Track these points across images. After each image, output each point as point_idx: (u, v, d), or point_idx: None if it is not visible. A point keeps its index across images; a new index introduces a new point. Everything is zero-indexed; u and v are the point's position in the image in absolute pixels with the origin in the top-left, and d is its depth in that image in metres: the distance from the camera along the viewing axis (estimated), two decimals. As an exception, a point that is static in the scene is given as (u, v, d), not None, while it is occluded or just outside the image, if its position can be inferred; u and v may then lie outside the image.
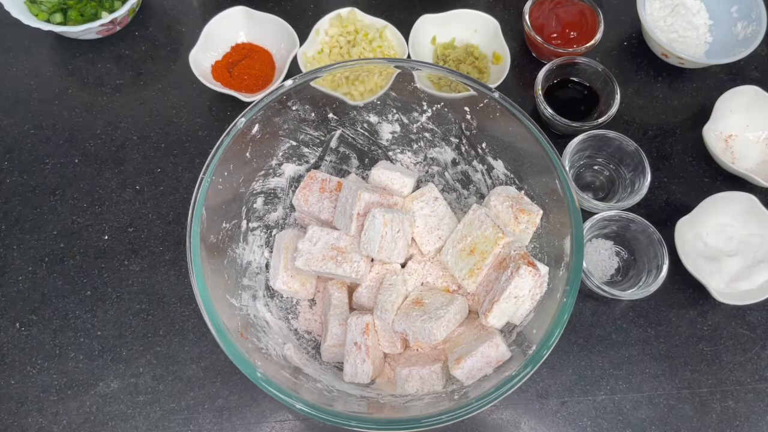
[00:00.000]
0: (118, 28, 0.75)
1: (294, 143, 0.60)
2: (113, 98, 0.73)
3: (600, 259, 0.65)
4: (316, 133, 0.61)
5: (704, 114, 0.69)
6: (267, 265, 0.59)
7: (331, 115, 0.60)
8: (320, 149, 0.62)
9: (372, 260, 0.55)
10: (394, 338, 0.54)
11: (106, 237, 0.66)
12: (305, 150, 0.61)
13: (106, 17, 0.71)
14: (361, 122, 0.62)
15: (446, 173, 0.64)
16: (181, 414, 0.59)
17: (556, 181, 0.52)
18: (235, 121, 0.52)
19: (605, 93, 0.68)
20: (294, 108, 0.56)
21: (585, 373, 0.61)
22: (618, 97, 0.66)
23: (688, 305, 0.65)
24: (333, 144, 0.62)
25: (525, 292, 0.50)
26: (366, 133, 0.63)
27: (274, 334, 0.54)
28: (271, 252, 0.59)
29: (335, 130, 0.61)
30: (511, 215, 0.54)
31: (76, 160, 0.69)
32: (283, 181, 0.61)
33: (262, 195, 0.59)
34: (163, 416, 0.59)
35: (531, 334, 0.50)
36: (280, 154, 0.59)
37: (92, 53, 0.75)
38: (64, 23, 0.72)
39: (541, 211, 0.54)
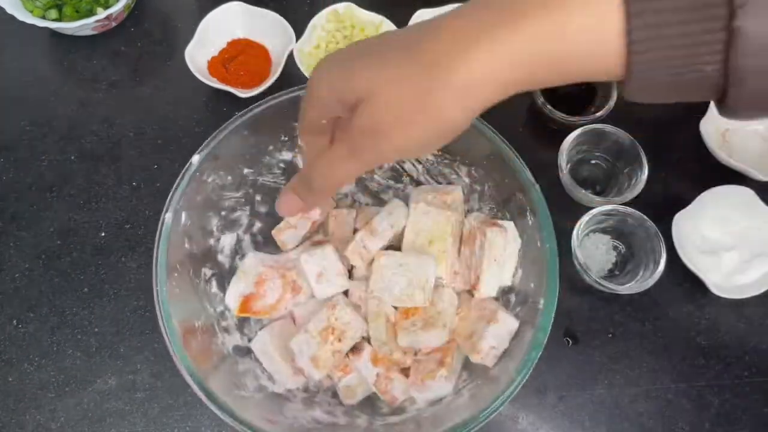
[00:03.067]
0: (114, 24, 0.75)
1: (223, 213, 0.57)
2: (109, 95, 0.73)
3: (597, 254, 0.65)
4: (239, 194, 0.58)
5: (701, 108, 0.69)
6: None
7: (246, 171, 0.57)
8: (248, 207, 0.60)
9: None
10: (402, 356, 0.53)
11: (103, 234, 0.66)
12: (234, 215, 0.59)
13: (102, 13, 0.70)
14: (276, 164, 0.60)
15: (375, 176, 0.63)
16: (179, 410, 0.59)
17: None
18: (161, 218, 0.50)
19: (602, 87, 0.68)
20: (209, 180, 0.54)
21: (583, 368, 0.62)
22: (615, 91, 0.66)
23: (685, 299, 0.65)
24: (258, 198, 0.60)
25: (500, 251, 0.51)
26: (283, 173, 0.61)
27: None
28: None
29: (255, 182, 0.59)
30: (439, 203, 0.55)
31: (72, 157, 0.69)
32: (227, 254, 0.59)
33: (215, 278, 0.56)
34: (161, 412, 0.59)
35: (529, 288, 0.51)
36: (215, 229, 0.57)
37: (88, 49, 0.75)
38: (59, 19, 0.72)
39: (459, 187, 0.56)
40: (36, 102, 0.72)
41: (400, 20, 0.72)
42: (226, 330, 0.54)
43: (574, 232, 0.61)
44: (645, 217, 0.61)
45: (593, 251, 0.65)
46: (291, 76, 0.70)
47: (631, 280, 0.62)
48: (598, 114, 0.66)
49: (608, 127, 0.65)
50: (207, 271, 0.55)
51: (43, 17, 0.71)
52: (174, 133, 0.70)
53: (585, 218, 0.61)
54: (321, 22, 0.72)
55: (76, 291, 0.63)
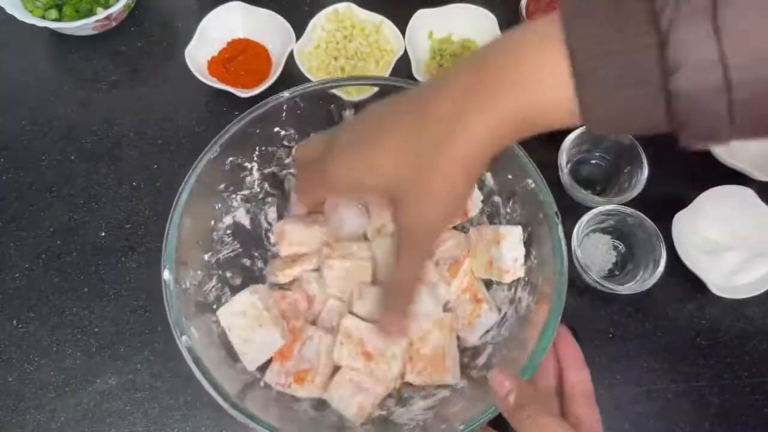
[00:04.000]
0: (114, 24, 0.75)
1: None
2: (109, 94, 0.73)
3: (597, 254, 0.65)
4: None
5: (702, 108, 0.69)
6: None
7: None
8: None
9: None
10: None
11: (103, 234, 0.66)
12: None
13: (102, 13, 0.70)
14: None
15: None
16: (179, 410, 0.59)
17: None
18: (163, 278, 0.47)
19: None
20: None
21: (583, 368, 0.61)
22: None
23: (686, 299, 0.65)
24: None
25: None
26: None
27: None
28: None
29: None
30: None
31: (73, 157, 0.69)
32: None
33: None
34: (161, 413, 0.59)
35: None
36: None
37: (88, 49, 0.75)
38: (59, 19, 0.72)
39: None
40: (36, 102, 0.72)
41: (400, 20, 0.72)
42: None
43: (574, 232, 0.61)
44: (645, 217, 0.61)
45: (593, 251, 0.65)
46: (291, 76, 0.70)
47: (631, 280, 0.62)
48: (598, 114, 0.66)
49: (608, 127, 0.65)
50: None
51: (43, 17, 0.71)
52: (174, 133, 0.70)
53: (585, 218, 0.61)
54: (321, 22, 0.72)
55: (76, 291, 0.63)
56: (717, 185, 0.65)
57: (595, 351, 0.62)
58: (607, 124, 0.29)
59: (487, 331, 0.54)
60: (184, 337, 0.44)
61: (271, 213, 0.58)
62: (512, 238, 0.52)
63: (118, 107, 0.72)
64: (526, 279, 0.52)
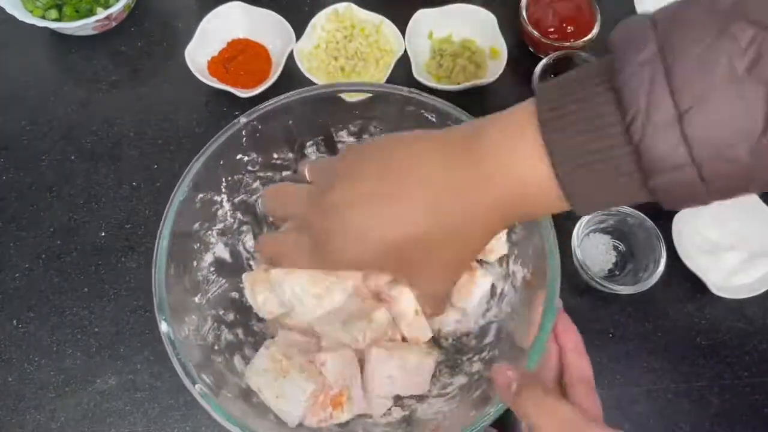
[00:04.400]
0: (114, 24, 0.75)
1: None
2: (109, 94, 0.73)
3: (597, 254, 0.65)
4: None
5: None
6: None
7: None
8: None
9: None
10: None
11: (103, 234, 0.66)
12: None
13: (102, 13, 0.70)
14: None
15: None
16: (179, 410, 0.59)
17: None
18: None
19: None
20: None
21: (583, 368, 0.61)
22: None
23: (686, 299, 0.65)
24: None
25: None
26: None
27: None
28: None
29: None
30: None
31: (73, 157, 0.69)
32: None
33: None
34: (161, 413, 0.59)
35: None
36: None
37: (88, 49, 0.75)
38: (59, 19, 0.72)
39: None
40: (36, 102, 0.72)
41: (400, 20, 0.72)
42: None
43: (574, 232, 0.61)
44: (645, 217, 0.61)
45: (593, 251, 0.65)
46: (291, 76, 0.70)
47: (631, 280, 0.62)
48: (598, 114, 0.66)
49: (608, 127, 0.65)
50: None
51: (43, 17, 0.71)
52: (174, 133, 0.70)
53: (585, 218, 0.61)
54: (321, 21, 0.72)
55: (76, 291, 0.63)
56: (717, 185, 0.65)
57: (596, 351, 0.62)
58: (594, 209, 0.32)
59: (488, 310, 0.54)
60: (197, 386, 0.43)
61: (249, 241, 0.57)
62: None
63: (118, 107, 0.72)
64: (516, 252, 0.53)
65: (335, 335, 0.51)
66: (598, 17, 0.71)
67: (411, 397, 0.52)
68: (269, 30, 0.72)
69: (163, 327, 0.44)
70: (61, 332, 0.61)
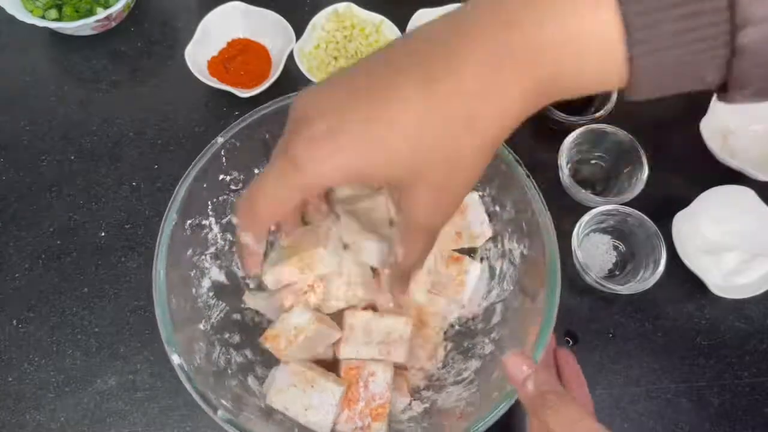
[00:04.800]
0: (114, 24, 0.75)
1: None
2: (109, 94, 0.73)
3: (597, 254, 0.65)
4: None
5: (702, 107, 0.69)
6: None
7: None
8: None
9: None
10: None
11: (103, 234, 0.65)
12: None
13: (101, 13, 0.70)
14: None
15: None
16: (179, 410, 0.59)
17: None
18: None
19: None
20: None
21: (583, 368, 0.61)
22: (615, 91, 0.66)
23: (686, 299, 0.65)
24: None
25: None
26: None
27: None
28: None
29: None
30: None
31: (72, 157, 0.69)
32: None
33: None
34: (161, 412, 0.59)
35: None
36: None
37: (88, 49, 0.75)
38: (59, 19, 0.72)
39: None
40: (36, 102, 0.72)
41: (400, 20, 0.72)
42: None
43: (574, 232, 0.61)
44: (645, 217, 0.61)
45: (593, 251, 0.65)
46: (291, 76, 0.70)
47: (631, 280, 0.62)
48: (598, 114, 0.66)
49: (608, 127, 0.65)
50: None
51: (43, 17, 0.71)
52: (174, 133, 0.70)
53: (585, 218, 0.61)
54: (321, 21, 0.72)
55: (76, 291, 0.63)
56: (717, 185, 0.65)
57: (595, 351, 0.62)
58: (654, 85, 0.27)
59: (490, 291, 0.55)
60: (219, 412, 0.43)
61: (216, 275, 0.56)
62: (473, 204, 0.53)
63: (117, 107, 0.72)
64: (509, 230, 0.53)
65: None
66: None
67: (427, 388, 0.53)
68: (269, 30, 0.72)
69: (175, 359, 0.44)
70: (61, 332, 0.61)
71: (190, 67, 0.68)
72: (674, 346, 0.63)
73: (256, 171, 0.55)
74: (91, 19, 0.70)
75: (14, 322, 0.62)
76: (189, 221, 0.50)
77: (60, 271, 0.64)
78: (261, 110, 0.51)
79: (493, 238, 0.55)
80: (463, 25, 0.29)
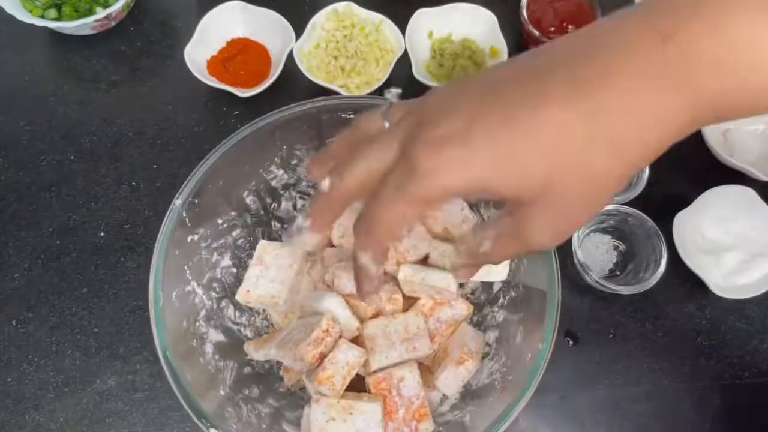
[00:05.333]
0: (113, 23, 0.75)
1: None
2: (108, 94, 0.73)
3: (598, 254, 0.65)
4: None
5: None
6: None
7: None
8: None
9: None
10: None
11: (102, 234, 0.65)
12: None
13: (101, 13, 0.70)
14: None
15: None
16: (179, 411, 0.59)
17: None
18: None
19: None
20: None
21: (583, 368, 0.61)
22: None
23: (686, 299, 0.64)
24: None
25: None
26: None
27: None
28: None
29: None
30: None
31: (72, 157, 0.69)
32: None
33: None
34: (160, 413, 0.59)
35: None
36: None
37: (87, 49, 0.75)
38: (58, 19, 0.71)
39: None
40: (36, 102, 0.72)
41: (400, 19, 0.72)
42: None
43: (575, 232, 0.60)
44: (646, 216, 0.61)
45: (594, 251, 0.65)
46: (291, 75, 0.70)
47: (631, 280, 0.62)
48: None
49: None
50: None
51: (42, 17, 0.71)
52: (174, 133, 0.70)
53: (585, 218, 0.61)
54: (321, 21, 0.72)
55: (75, 291, 0.63)
56: (718, 185, 0.64)
57: (596, 351, 0.62)
58: None
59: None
60: None
61: (231, 313, 0.56)
62: (463, 220, 0.52)
63: (117, 107, 0.72)
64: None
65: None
66: (599, 16, 0.71)
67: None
68: (269, 29, 0.72)
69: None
70: (61, 332, 0.61)
71: (190, 67, 0.68)
72: (675, 347, 0.63)
73: (220, 221, 0.55)
74: (91, 19, 0.70)
75: (13, 322, 0.62)
76: (174, 292, 0.50)
77: (59, 271, 0.64)
78: (210, 158, 0.51)
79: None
80: (613, 36, 0.26)
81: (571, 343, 0.62)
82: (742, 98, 0.25)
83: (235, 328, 0.56)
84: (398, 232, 0.31)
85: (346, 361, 0.48)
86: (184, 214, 0.50)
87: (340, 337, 0.49)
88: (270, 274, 0.52)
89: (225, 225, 0.56)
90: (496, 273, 0.50)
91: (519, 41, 0.76)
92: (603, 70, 0.26)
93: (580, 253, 0.60)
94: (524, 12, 0.72)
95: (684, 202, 0.64)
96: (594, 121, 0.26)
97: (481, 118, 0.27)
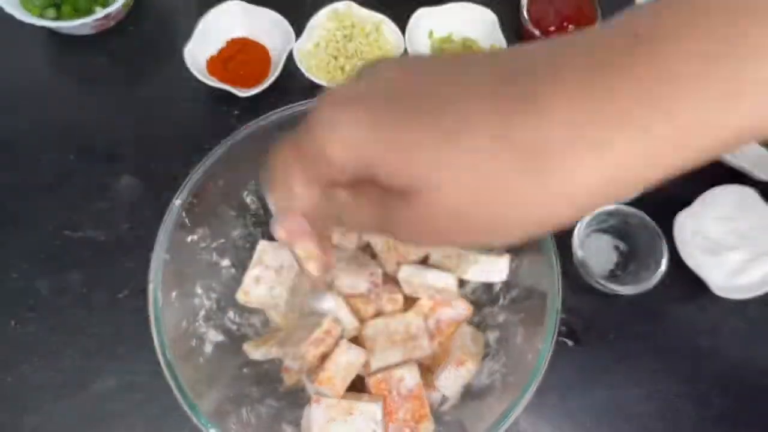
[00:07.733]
0: (113, 23, 0.74)
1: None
2: (108, 94, 0.73)
3: (599, 254, 0.65)
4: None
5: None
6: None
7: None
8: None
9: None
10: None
11: (102, 234, 0.65)
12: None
13: (100, 12, 0.70)
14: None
15: None
16: (179, 411, 0.58)
17: None
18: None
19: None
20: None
21: (584, 369, 0.61)
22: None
23: (687, 299, 0.64)
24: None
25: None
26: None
27: None
28: None
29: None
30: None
31: (71, 157, 0.69)
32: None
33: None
34: (159, 414, 0.58)
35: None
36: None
37: (87, 49, 0.75)
38: (57, 18, 0.71)
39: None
40: (35, 102, 0.72)
41: (400, 19, 0.72)
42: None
43: (575, 232, 0.60)
44: (647, 216, 0.61)
45: (594, 251, 0.65)
46: (290, 75, 0.70)
47: (632, 280, 0.61)
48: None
49: (609, 127, 0.65)
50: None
51: (41, 16, 0.71)
52: (173, 133, 0.70)
53: (586, 218, 0.61)
54: (321, 21, 0.72)
55: (75, 291, 0.63)
56: (719, 185, 0.64)
57: (596, 351, 0.62)
58: None
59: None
60: None
61: (231, 313, 0.56)
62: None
63: (116, 106, 0.72)
64: None
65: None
66: (599, 15, 0.71)
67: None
68: (269, 29, 0.72)
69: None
70: (60, 333, 0.61)
71: (190, 66, 0.68)
72: (676, 347, 0.62)
73: (219, 221, 0.55)
74: (90, 18, 0.70)
75: (12, 322, 0.62)
76: (174, 293, 0.49)
77: (59, 271, 0.64)
78: (208, 158, 0.51)
79: None
80: (556, 49, 0.23)
81: (571, 343, 0.62)
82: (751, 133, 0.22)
83: (235, 328, 0.56)
84: (289, 179, 0.28)
85: (346, 361, 0.48)
86: (184, 214, 0.50)
87: (341, 337, 0.49)
88: (270, 275, 0.52)
89: (225, 225, 0.56)
90: (497, 273, 0.50)
91: (519, 41, 0.76)
92: (548, 82, 0.22)
93: (580, 253, 0.60)
94: (525, 11, 0.72)
95: (685, 201, 0.64)
96: (536, 132, 0.22)
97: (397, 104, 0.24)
